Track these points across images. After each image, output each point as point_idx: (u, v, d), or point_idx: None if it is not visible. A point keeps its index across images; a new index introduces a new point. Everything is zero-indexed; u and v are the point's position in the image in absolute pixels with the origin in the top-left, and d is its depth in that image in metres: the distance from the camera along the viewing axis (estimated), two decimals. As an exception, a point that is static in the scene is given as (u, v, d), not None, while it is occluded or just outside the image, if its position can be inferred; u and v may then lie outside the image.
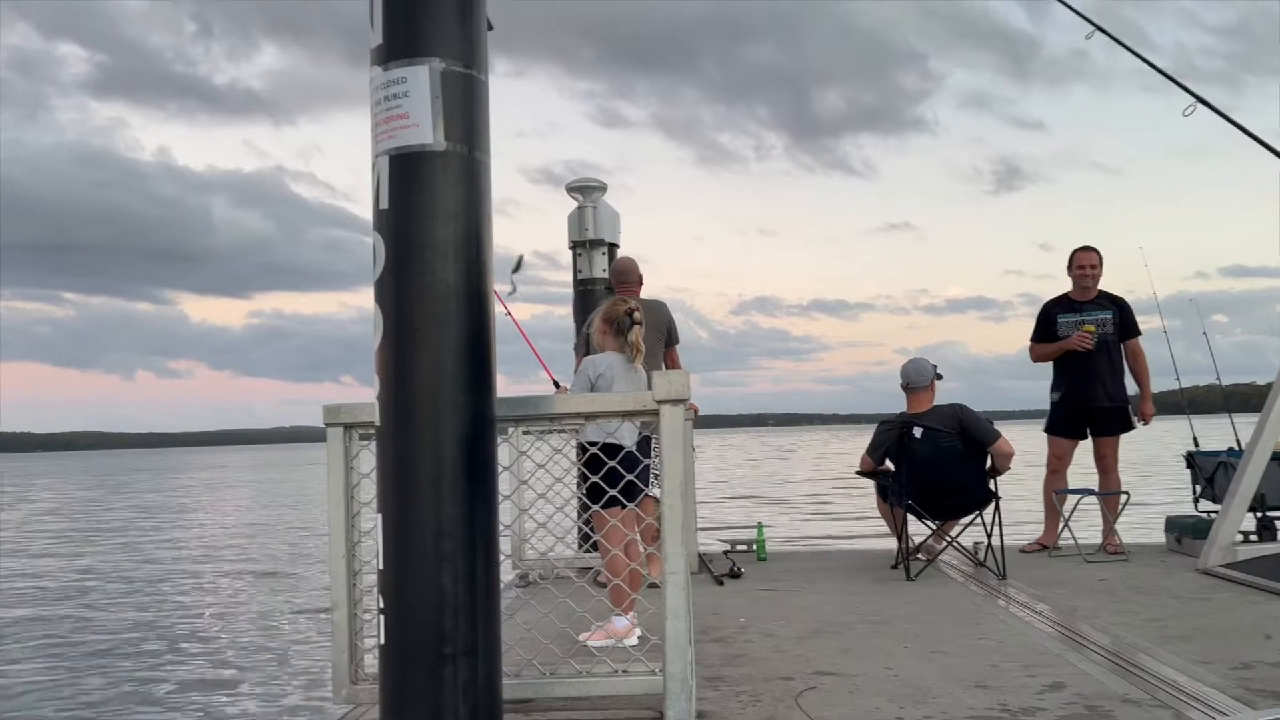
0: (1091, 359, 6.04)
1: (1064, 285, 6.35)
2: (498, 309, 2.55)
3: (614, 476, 3.18)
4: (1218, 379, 6.79)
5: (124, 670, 6.67)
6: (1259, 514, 5.61)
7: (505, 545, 4.20)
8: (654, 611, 2.87)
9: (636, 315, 4.10)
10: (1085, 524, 6.27)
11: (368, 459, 2.80)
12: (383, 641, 2.38)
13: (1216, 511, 5.56)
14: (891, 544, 5.88)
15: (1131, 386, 6.20)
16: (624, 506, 3.74)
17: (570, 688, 2.92)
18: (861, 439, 6.08)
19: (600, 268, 6.51)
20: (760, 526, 6.58)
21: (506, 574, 5.17)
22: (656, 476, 3.72)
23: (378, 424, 2.42)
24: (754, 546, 6.42)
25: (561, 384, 5.39)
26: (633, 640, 3.75)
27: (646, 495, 4.11)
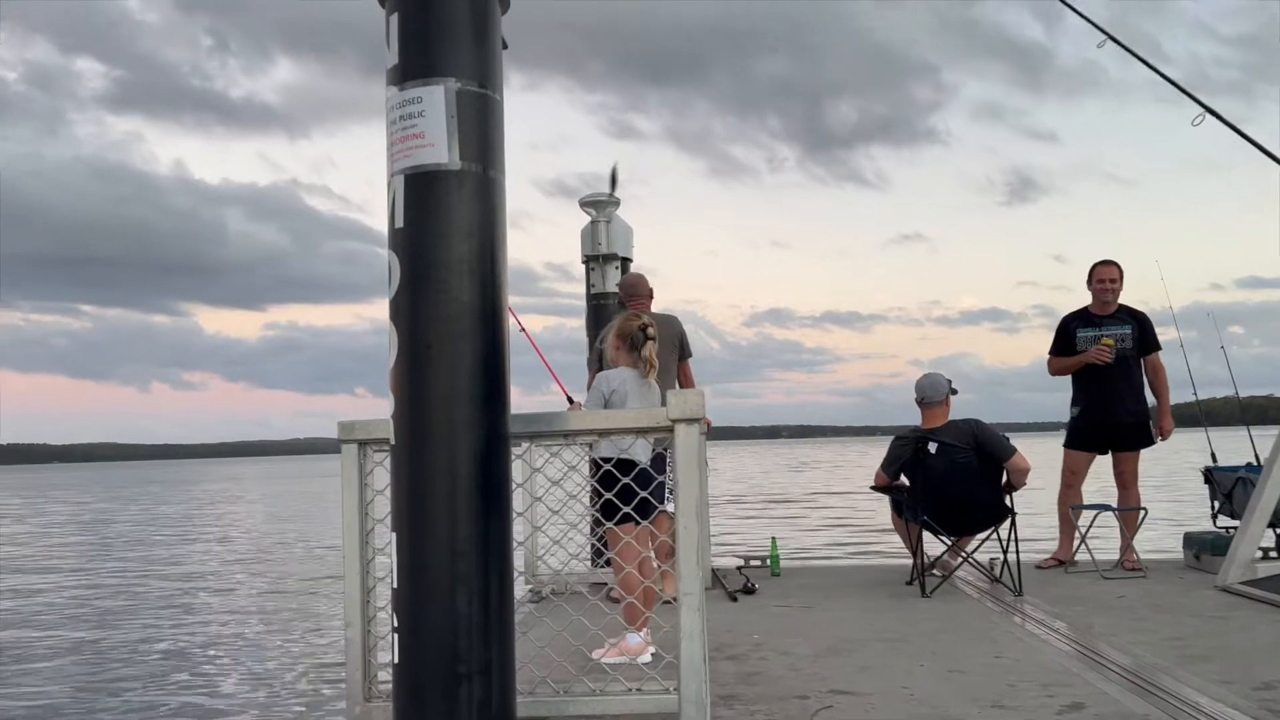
0: (1111, 374, 5.99)
1: (1079, 297, 6.32)
2: (511, 324, 2.55)
3: (628, 493, 3.18)
4: (1235, 391, 6.74)
5: (132, 688, 6.67)
6: (1279, 530, 5.56)
7: (519, 560, 4.19)
8: (668, 629, 2.85)
9: (650, 331, 4.11)
10: (1102, 540, 6.22)
11: (381, 475, 2.80)
12: (397, 660, 2.38)
13: (1235, 528, 5.50)
14: (906, 559, 5.84)
15: (1150, 401, 6.14)
16: (638, 523, 3.73)
17: (584, 706, 2.91)
18: (877, 451, 6.05)
19: (613, 282, 6.53)
20: (774, 541, 6.55)
21: (519, 589, 5.15)
22: (671, 492, 3.71)
23: (393, 441, 2.42)
24: (768, 561, 6.39)
25: (575, 399, 5.38)
26: (646, 658, 3.74)
27: (661, 511, 4.10)
